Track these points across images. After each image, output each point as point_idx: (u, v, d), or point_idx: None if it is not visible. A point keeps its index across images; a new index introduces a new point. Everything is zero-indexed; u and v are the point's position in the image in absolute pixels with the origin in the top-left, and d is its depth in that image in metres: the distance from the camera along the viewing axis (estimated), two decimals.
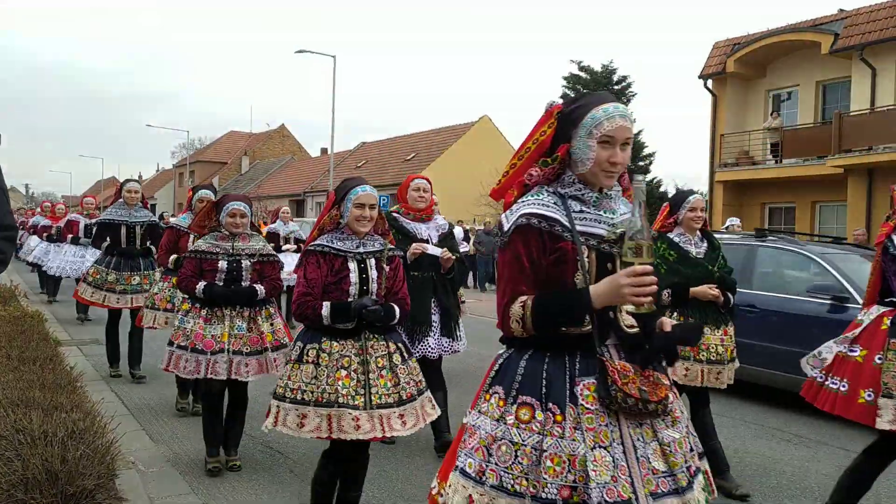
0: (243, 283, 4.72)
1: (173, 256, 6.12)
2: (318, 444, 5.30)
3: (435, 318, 5.22)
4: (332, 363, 3.48)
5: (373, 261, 3.67)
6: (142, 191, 7.60)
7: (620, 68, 39.77)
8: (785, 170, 20.53)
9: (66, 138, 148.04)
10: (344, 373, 3.46)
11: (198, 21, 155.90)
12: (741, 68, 21.83)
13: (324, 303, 3.50)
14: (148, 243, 7.44)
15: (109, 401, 6.11)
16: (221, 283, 4.67)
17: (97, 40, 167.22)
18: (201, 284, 4.64)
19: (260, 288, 4.76)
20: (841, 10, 20.30)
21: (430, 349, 5.15)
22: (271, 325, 4.80)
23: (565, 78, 35.85)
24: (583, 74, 35.48)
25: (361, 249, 3.66)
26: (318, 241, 3.64)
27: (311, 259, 3.60)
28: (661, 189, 34.80)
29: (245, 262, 4.74)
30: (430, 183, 5.36)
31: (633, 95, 35.52)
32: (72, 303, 11.07)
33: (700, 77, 23.03)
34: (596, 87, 35.13)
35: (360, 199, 3.60)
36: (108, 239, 7.35)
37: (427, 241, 5.24)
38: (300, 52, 30.48)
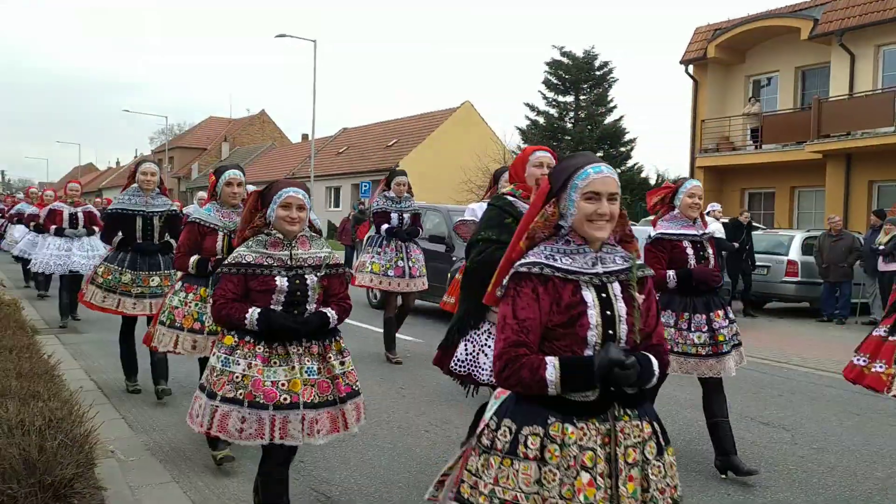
0: (309, 307, 3.46)
1: (194, 258, 4.93)
2: None
3: None
4: (567, 461, 2.16)
5: (618, 286, 2.32)
6: (159, 174, 6.32)
7: (602, 54, 39.77)
8: (764, 155, 20.68)
9: (42, 124, 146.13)
10: (587, 478, 2.15)
11: (175, 4, 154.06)
12: (721, 54, 21.93)
13: (547, 359, 2.18)
14: (167, 237, 6.28)
15: (88, 389, 6.06)
16: (281, 308, 3.40)
17: (72, 25, 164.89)
18: (254, 311, 3.31)
19: (332, 313, 3.47)
20: None
21: None
22: (342, 363, 3.54)
23: (547, 63, 35.83)
24: (564, 60, 35.44)
25: (600, 269, 2.32)
26: (532, 259, 2.28)
27: (525, 287, 2.24)
28: (643, 175, 34.95)
29: (311, 278, 3.44)
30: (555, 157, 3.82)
31: (615, 81, 35.55)
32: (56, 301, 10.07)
33: (681, 63, 23.12)
34: (578, 73, 35.17)
35: (593, 183, 2.29)
36: (120, 232, 6.11)
37: None
38: (280, 36, 30.26)
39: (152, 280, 6.13)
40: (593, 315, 2.22)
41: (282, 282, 3.37)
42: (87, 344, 8.49)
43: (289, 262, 3.43)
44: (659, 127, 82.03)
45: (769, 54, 21.69)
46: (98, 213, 10.60)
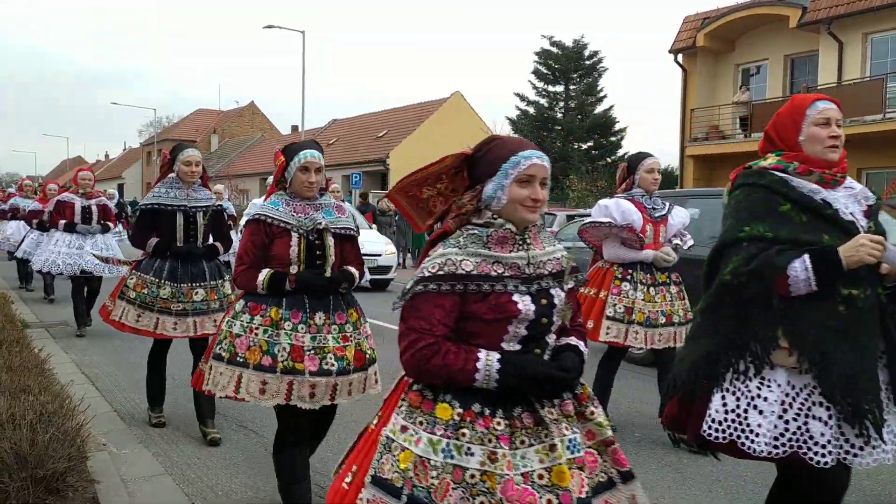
0: (548, 340, 2.28)
1: (266, 273, 3.43)
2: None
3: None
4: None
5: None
6: (202, 163, 5.09)
7: (591, 43, 39.75)
8: (754, 143, 20.32)
9: (29, 117, 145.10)
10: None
11: None
12: (711, 42, 21.95)
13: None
14: (211, 238, 5.14)
15: (79, 383, 6.03)
16: (519, 348, 2.22)
17: (60, 19, 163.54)
18: (492, 358, 2.06)
19: (583, 348, 2.33)
20: None
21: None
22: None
23: (537, 53, 35.80)
24: (554, 49, 35.42)
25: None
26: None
27: None
28: None
29: (557, 295, 2.20)
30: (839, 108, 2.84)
31: (605, 71, 35.57)
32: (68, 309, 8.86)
33: (670, 52, 23.13)
34: (567, 62, 35.15)
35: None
36: (155, 233, 4.94)
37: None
38: (268, 27, 30.08)
39: (196, 294, 4.90)
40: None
41: (525, 304, 2.11)
42: (78, 338, 8.45)
43: (526, 270, 2.16)
44: (649, 116, 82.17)
45: (758, 43, 21.72)
46: (113, 207, 9.53)
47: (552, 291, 2.20)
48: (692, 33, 22.31)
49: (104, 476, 4.00)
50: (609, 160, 34.05)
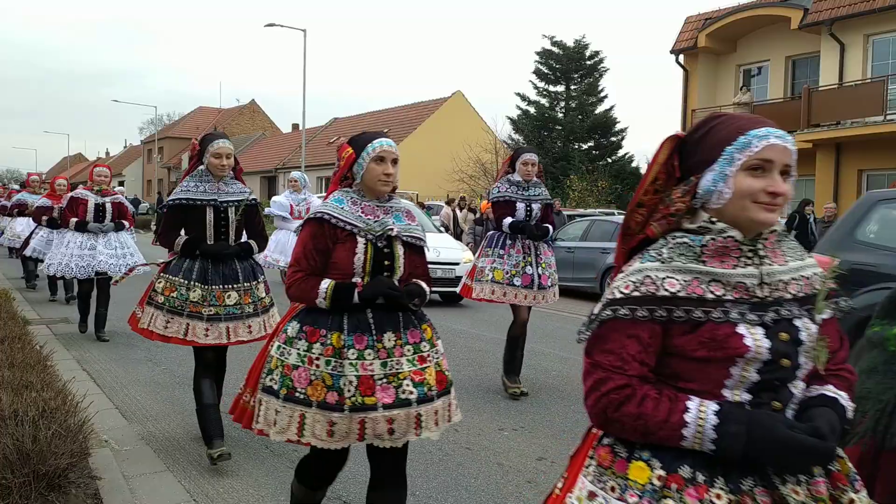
0: (794, 391, 1.81)
1: (328, 283, 2.86)
2: None
3: None
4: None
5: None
6: (233, 154, 4.68)
7: (593, 43, 39.74)
8: None
9: (30, 114, 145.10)
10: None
11: None
12: (712, 43, 21.96)
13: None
14: (245, 236, 4.70)
15: (81, 380, 6.04)
16: (752, 401, 1.74)
17: (62, 14, 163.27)
18: (708, 410, 1.56)
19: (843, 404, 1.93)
20: None
21: None
22: None
23: (538, 53, 35.79)
24: (555, 49, 35.41)
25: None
26: None
27: None
28: (633, 164, 35.00)
29: (805, 329, 1.66)
30: None
31: (606, 71, 35.57)
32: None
33: (672, 52, 23.13)
34: (568, 62, 35.15)
35: None
36: (184, 231, 4.54)
37: None
38: (270, 25, 30.10)
39: (228, 297, 4.47)
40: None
41: (755, 338, 1.58)
42: (79, 334, 8.46)
43: (758, 293, 1.63)
44: (649, 116, 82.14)
45: (760, 43, 21.72)
46: (129, 205, 8.89)
47: (797, 323, 1.63)
48: (694, 34, 22.32)
49: (106, 473, 4.01)
50: (609, 160, 34.06)
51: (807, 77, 20.75)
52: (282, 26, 30.45)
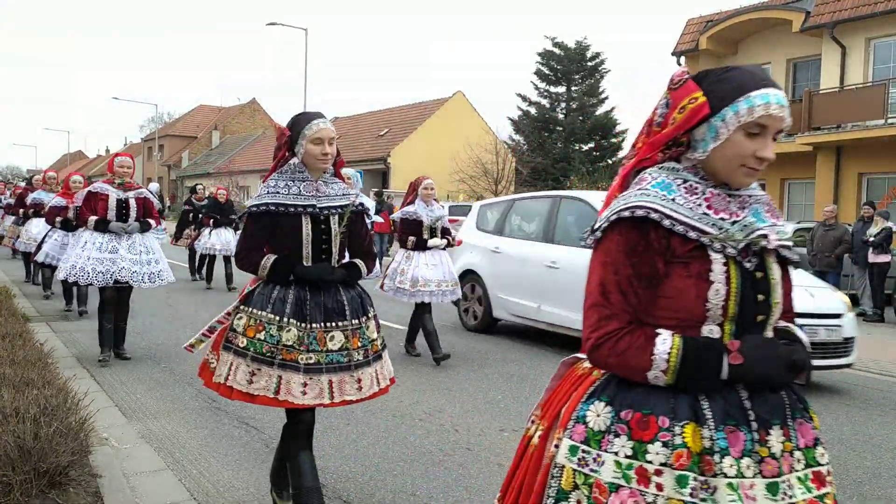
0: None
1: (681, 346, 1.63)
2: None
3: None
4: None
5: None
6: (336, 141, 3.39)
7: (594, 45, 39.75)
8: None
9: (30, 111, 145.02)
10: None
11: None
12: (714, 45, 21.97)
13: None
14: (348, 255, 3.55)
15: (81, 377, 6.04)
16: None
17: (62, 11, 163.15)
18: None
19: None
20: None
21: None
22: None
23: (539, 54, 35.79)
24: (557, 51, 35.42)
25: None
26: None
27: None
28: None
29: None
30: None
31: (607, 72, 35.56)
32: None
33: (673, 54, 23.15)
34: (570, 64, 35.15)
35: None
36: (269, 247, 3.36)
37: None
38: (271, 24, 30.12)
39: (332, 338, 3.26)
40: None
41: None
42: (79, 332, 8.46)
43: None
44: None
45: (761, 46, 21.73)
46: (156, 201, 7.86)
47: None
48: (695, 36, 22.34)
49: (106, 471, 4.00)
50: (610, 162, 34.08)
51: (808, 80, 20.77)
52: (283, 25, 30.48)
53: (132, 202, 6.98)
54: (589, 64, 35.49)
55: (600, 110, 35.45)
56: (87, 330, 8.50)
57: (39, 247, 10.02)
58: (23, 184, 18.64)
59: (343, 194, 3.43)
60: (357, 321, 3.37)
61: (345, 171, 3.71)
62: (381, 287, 7.50)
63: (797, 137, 18.96)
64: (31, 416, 3.68)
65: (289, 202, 3.29)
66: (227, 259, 13.01)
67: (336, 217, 3.39)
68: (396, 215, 8.08)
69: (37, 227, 11.13)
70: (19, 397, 3.93)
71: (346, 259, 3.52)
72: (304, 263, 3.32)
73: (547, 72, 35.81)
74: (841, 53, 19.16)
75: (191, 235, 13.95)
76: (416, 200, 7.48)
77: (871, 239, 12.23)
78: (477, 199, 19.01)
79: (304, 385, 3.20)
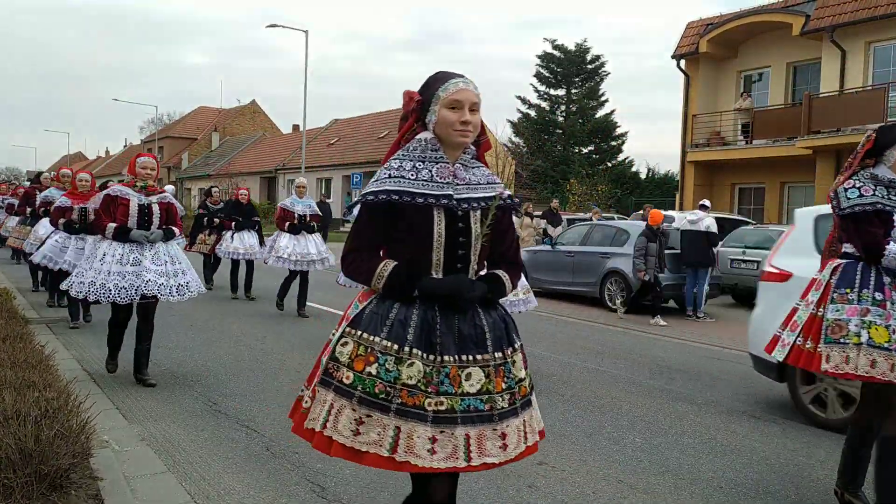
0: None
1: None
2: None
3: None
4: None
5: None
6: (480, 106, 2.55)
7: (594, 47, 39.81)
8: (755, 150, 20.78)
9: (30, 112, 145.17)
10: None
11: None
12: (713, 49, 22.01)
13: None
14: (486, 265, 2.65)
15: (82, 380, 6.04)
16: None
17: (62, 13, 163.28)
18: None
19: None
20: None
21: None
22: None
23: (539, 56, 35.84)
24: (556, 53, 35.46)
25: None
26: None
27: None
28: (634, 169, 35.05)
29: None
30: None
31: (607, 75, 35.62)
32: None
33: (673, 57, 23.18)
34: (570, 66, 35.19)
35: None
36: (386, 249, 2.55)
37: None
38: (271, 26, 30.15)
39: (468, 376, 2.41)
40: None
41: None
42: (79, 334, 8.46)
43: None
44: (650, 121, 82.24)
45: (761, 50, 21.77)
46: (179, 206, 7.11)
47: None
48: (695, 39, 22.37)
49: (107, 473, 4.01)
50: (609, 164, 34.10)
51: (807, 83, 20.81)
52: (284, 27, 30.51)
53: (155, 208, 6.24)
54: (589, 67, 35.54)
55: (600, 113, 35.52)
56: (88, 332, 8.51)
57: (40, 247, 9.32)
58: (27, 183, 18.26)
59: (488, 182, 2.59)
60: (501, 354, 2.51)
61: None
62: None
63: (797, 141, 18.99)
64: (32, 419, 3.68)
65: (416, 190, 2.45)
66: (249, 264, 12.42)
67: (478, 212, 2.54)
68: None
69: (44, 227, 10.04)
70: (20, 400, 3.93)
71: (486, 270, 2.65)
72: (434, 274, 2.48)
73: (547, 74, 35.88)
74: (841, 57, 19.20)
75: (205, 241, 13.04)
76: None
77: None
78: None
79: (433, 440, 2.34)
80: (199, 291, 6.36)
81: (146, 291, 5.97)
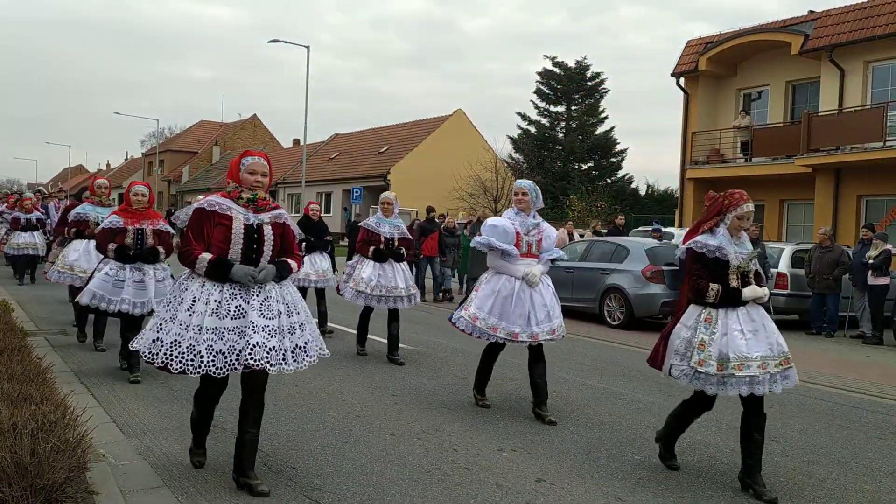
0: None
1: None
2: (293, 437, 5.30)
3: None
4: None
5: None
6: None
7: (595, 64, 40.02)
8: (754, 168, 20.82)
9: (31, 124, 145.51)
10: None
11: (168, 7, 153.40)
12: (713, 67, 22.10)
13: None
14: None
15: (79, 393, 6.02)
16: None
17: (65, 26, 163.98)
18: None
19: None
20: (811, 12, 20.66)
21: None
22: None
23: (539, 73, 36.01)
24: (556, 70, 35.63)
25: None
26: None
27: None
28: (633, 186, 35.13)
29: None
30: None
31: (606, 92, 35.77)
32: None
33: (673, 75, 23.27)
34: (570, 83, 35.34)
35: None
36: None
37: None
38: (273, 41, 30.35)
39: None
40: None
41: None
42: (77, 347, 8.44)
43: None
44: (649, 138, 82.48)
45: (760, 68, 21.86)
46: (174, 231, 7.03)
47: (264, 228, 4.35)
48: (695, 57, 22.47)
49: (103, 488, 3.98)
50: (609, 181, 34.17)
51: (807, 102, 20.88)
52: (286, 42, 30.68)
53: (267, 230, 4.37)
54: (589, 84, 35.70)
55: (600, 129, 35.65)
56: (86, 345, 8.48)
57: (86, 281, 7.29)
58: (30, 194, 16.85)
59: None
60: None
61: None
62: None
63: (796, 159, 19.04)
64: (28, 432, 3.65)
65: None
66: (319, 293, 9.99)
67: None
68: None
69: (76, 251, 8.62)
70: (17, 413, 3.91)
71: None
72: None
73: (547, 91, 36.03)
74: (839, 76, 19.28)
75: None
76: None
77: (871, 262, 12.25)
78: (477, 218, 18.54)
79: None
80: (321, 355, 4.47)
81: (250, 361, 4.09)
